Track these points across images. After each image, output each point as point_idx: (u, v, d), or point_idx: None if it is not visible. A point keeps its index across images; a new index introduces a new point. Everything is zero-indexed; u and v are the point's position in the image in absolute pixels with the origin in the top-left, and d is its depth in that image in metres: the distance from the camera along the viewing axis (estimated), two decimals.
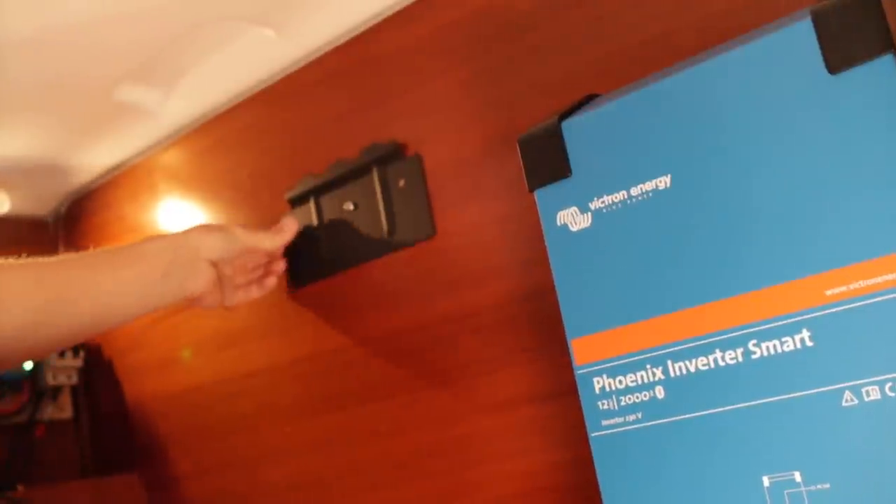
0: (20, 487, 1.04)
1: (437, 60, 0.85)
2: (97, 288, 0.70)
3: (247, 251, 0.81)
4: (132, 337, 1.13)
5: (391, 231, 0.87)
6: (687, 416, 0.52)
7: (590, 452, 0.56)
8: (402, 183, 0.86)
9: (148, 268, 0.73)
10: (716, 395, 0.51)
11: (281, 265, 0.87)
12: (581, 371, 0.57)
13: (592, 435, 0.56)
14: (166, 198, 1.10)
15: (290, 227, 0.85)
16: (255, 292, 0.85)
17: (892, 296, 0.45)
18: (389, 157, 0.87)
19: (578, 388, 0.57)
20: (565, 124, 0.58)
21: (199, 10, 0.87)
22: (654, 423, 0.53)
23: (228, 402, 1.02)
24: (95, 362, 1.17)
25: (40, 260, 0.68)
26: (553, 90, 0.76)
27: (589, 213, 0.57)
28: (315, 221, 0.92)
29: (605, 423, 0.55)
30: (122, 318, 0.74)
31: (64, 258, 0.71)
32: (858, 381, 0.46)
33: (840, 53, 0.47)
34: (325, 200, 0.92)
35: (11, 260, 0.66)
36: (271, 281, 0.86)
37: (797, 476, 0.48)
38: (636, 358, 0.54)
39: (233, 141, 1.03)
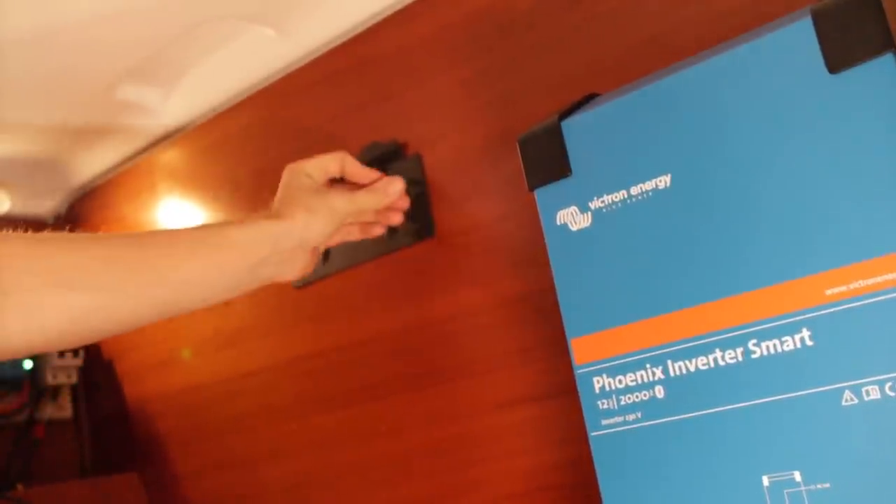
0: (20, 487, 1.04)
1: (437, 60, 0.85)
2: (174, 274, 0.61)
3: (350, 219, 0.73)
4: (132, 337, 1.13)
5: (390, 231, 0.86)
6: (686, 415, 0.52)
7: (589, 452, 0.55)
8: None
9: (237, 258, 0.64)
10: (715, 394, 0.51)
11: (396, 218, 0.77)
12: (581, 370, 0.57)
13: (592, 434, 0.56)
14: (166, 197, 1.10)
15: (394, 189, 0.74)
16: (355, 234, 0.77)
17: (891, 295, 0.45)
18: (390, 156, 0.87)
19: (578, 387, 0.57)
20: (565, 124, 0.58)
21: (200, 9, 0.87)
22: (653, 422, 0.53)
23: (228, 402, 1.02)
24: (95, 362, 1.17)
25: (111, 236, 0.61)
26: (553, 89, 0.76)
27: (589, 213, 0.57)
28: None
29: (604, 422, 0.55)
30: (195, 306, 0.64)
31: (137, 236, 0.63)
32: (858, 381, 0.46)
33: (840, 53, 0.47)
34: None
35: (78, 233, 0.59)
36: (376, 230, 0.78)
37: (797, 476, 0.48)
38: (636, 357, 0.54)
39: (233, 140, 1.03)
